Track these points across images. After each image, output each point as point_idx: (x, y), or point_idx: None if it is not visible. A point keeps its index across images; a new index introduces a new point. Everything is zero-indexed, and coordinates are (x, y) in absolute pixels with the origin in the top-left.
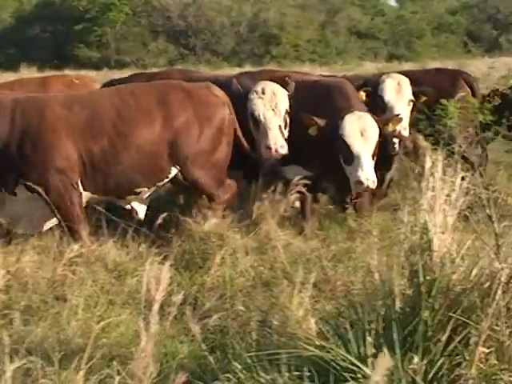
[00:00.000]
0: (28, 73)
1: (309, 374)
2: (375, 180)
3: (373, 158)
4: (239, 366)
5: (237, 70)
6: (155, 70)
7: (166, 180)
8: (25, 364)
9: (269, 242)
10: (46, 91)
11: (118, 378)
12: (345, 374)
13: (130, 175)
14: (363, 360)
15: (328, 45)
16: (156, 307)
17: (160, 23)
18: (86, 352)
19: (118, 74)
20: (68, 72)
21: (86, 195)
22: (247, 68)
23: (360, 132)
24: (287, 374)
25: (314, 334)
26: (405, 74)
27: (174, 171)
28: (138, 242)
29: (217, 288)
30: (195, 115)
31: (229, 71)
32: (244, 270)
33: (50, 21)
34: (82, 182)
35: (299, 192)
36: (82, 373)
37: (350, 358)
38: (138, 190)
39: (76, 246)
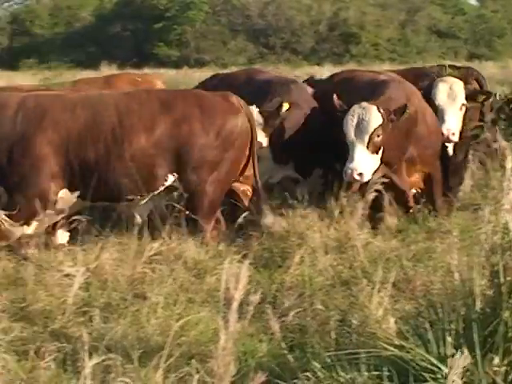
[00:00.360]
0: (108, 71)
1: (388, 373)
2: (364, 173)
3: (374, 152)
4: (318, 365)
5: (316, 69)
6: (234, 68)
7: (162, 188)
8: (104, 361)
9: (348, 241)
10: (109, 90)
11: (197, 376)
12: (424, 374)
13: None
14: (443, 360)
15: (408, 44)
16: (235, 305)
17: (240, 22)
18: (165, 350)
19: (197, 73)
20: (147, 71)
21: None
22: (327, 67)
23: (356, 122)
24: (366, 374)
25: (393, 333)
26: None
27: (171, 179)
28: (218, 241)
29: (296, 287)
30: (203, 123)
31: (309, 70)
32: (323, 268)
33: (130, 19)
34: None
35: (377, 191)
36: (161, 371)
37: (429, 358)
38: (130, 197)
39: (156, 244)
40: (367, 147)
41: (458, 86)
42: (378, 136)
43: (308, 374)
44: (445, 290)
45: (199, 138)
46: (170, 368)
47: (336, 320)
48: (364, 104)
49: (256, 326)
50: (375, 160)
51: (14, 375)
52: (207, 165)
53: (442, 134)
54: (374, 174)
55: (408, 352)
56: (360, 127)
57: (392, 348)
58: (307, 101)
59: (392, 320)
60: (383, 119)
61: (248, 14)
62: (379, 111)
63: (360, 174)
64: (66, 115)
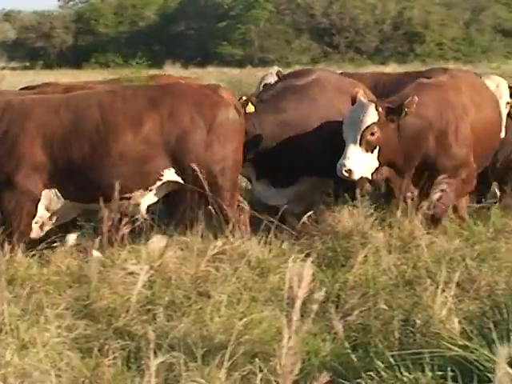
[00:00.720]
0: (172, 70)
1: (452, 374)
2: (353, 170)
3: (369, 150)
4: (382, 365)
5: (380, 69)
6: (298, 68)
7: (159, 183)
8: (168, 359)
9: (412, 241)
10: None
11: (260, 375)
12: (489, 375)
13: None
14: (508, 361)
15: (472, 43)
16: (298, 304)
17: (304, 21)
18: (228, 348)
19: (261, 72)
20: (211, 69)
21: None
22: (391, 66)
23: (352, 119)
24: (430, 374)
25: (457, 333)
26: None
27: (168, 174)
28: (281, 239)
29: (359, 286)
30: (193, 118)
31: (374, 69)
32: (387, 268)
33: (195, 18)
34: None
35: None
36: (224, 369)
37: (494, 358)
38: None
39: (219, 243)
40: (360, 145)
41: (504, 85)
42: (373, 134)
43: (371, 373)
44: (509, 290)
45: (193, 133)
46: (233, 366)
47: (399, 320)
48: (363, 101)
49: (319, 326)
50: (369, 158)
51: (78, 372)
52: (206, 159)
53: None
54: (374, 173)
55: (472, 352)
56: (354, 124)
57: (456, 348)
58: None
59: (456, 320)
60: (379, 118)
61: (312, 12)
62: (376, 109)
63: (349, 171)
64: (50, 116)
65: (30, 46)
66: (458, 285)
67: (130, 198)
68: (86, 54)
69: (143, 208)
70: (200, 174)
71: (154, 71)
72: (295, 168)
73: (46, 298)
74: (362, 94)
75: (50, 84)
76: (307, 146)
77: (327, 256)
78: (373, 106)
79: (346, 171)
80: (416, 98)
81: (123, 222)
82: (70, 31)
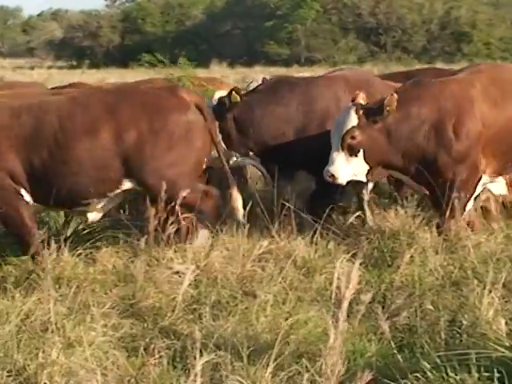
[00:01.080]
0: (218, 69)
1: (499, 375)
2: (336, 175)
3: (353, 154)
4: (428, 366)
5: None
6: (344, 67)
7: (119, 191)
8: (213, 358)
9: (458, 242)
10: None
11: (306, 375)
12: None
13: (77, 186)
14: None
15: None
16: (345, 305)
17: (350, 20)
18: (274, 348)
19: (308, 72)
20: (258, 69)
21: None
22: (438, 66)
23: (336, 124)
24: (477, 375)
25: (503, 334)
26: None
27: (127, 181)
28: (327, 239)
29: (406, 287)
30: (149, 122)
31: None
32: (433, 268)
33: (241, 17)
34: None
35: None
36: (270, 369)
37: None
38: (85, 202)
39: (265, 243)
40: (342, 149)
41: None
42: (353, 138)
43: (417, 374)
44: None
45: (148, 139)
46: (279, 366)
47: (446, 320)
48: (348, 105)
49: (365, 326)
50: (355, 162)
51: (123, 371)
52: (164, 166)
53: None
54: (369, 175)
55: None
56: (337, 129)
57: (503, 349)
58: None
59: (503, 321)
60: (359, 121)
61: (359, 12)
62: (356, 112)
63: (332, 177)
64: (13, 121)
65: (76, 45)
66: (504, 285)
67: (88, 205)
68: (133, 53)
69: (99, 214)
70: (156, 179)
71: (200, 71)
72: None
73: (92, 297)
74: (362, 98)
75: (75, 84)
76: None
77: (374, 256)
78: (352, 109)
79: (329, 177)
80: (395, 96)
81: (169, 222)
82: (117, 30)
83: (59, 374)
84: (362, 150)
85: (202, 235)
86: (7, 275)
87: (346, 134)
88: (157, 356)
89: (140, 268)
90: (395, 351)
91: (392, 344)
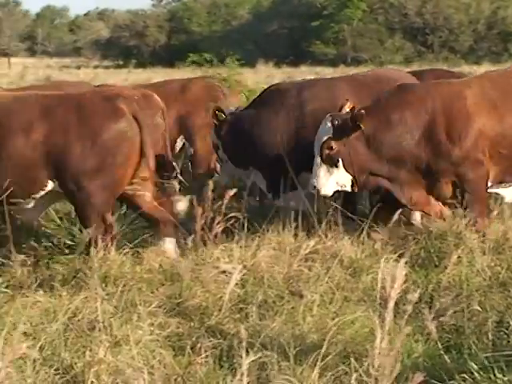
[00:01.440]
0: (264, 69)
1: None
2: (318, 187)
3: (333, 165)
4: (475, 366)
5: (474, 68)
6: (391, 67)
7: (42, 193)
8: (260, 358)
9: (506, 242)
10: (184, 94)
11: (354, 375)
12: None
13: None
14: None
15: None
16: (391, 305)
17: (397, 20)
18: (322, 348)
19: (354, 71)
20: (304, 69)
21: None
22: (485, 66)
23: (317, 136)
24: None
25: None
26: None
27: (51, 183)
28: (374, 239)
29: (453, 287)
30: (79, 129)
31: (467, 69)
32: (480, 269)
33: (287, 17)
34: None
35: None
36: (317, 369)
37: None
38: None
39: (312, 242)
40: (323, 161)
41: None
42: (331, 149)
43: (465, 375)
44: None
45: (76, 145)
46: (325, 366)
47: (493, 321)
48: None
49: (412, 326)
50: (336, 173)
51: (170, 370)
52: (87, 173)
53: None
54: (355, 186)
55: None
56: (316, 141)
57: None
58: None
59: None
60: (334, 131)
61: (405, 12)
62: (332, 123)
63: (314, 188)
64: None
65: (123, 44)
66: None
67: (16, 204)
68: (179, 53)
69: (32, 215)
70: (75, 184)
71: (246, 70)
72: None
73: (138, 296)
74: (349, 105)
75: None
76: None
77: (420, 256)
78: (328, 120)
79: (312, 189)
80: (362, 112)
81: (216, 221)
82: (164, 30)
83: (106, 372)
84: (340, 160)
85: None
86: (54, 274)
87: (322, 145)
88: (203, 355)
89: (187, 267)
90: (442, 352)
91: (439, 345)
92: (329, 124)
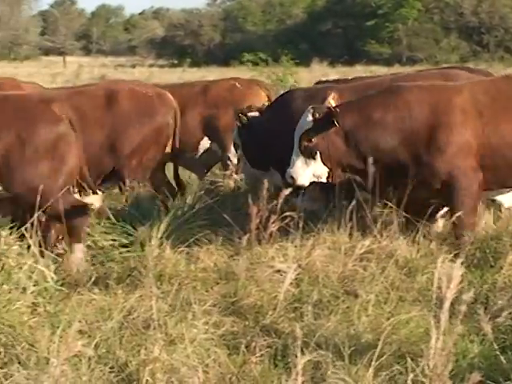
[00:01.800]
0: (319, 68)
1: None
2: (295, 177)
3: (310, 157)
4: None
5: None
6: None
7: None
8: (315, 357)
9: None
10: (206, 97)
11: (411, 375)
12: None
13: None
14: None
15: None
16: (447, 305)
17: (452, 20)
18: (376, 348)
19: (409, 71)
20: (358, 68)
21: None
22: None
23: (297, 127)
24: None
25: None
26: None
27: None
28: (429, 239)
29: (508, 287)
30: (18, 131)
31: None
32: None
33: (342, 16)
34: None
35: None
36: (372, 369)
37: None
38: None
39: (367, 242)
40: (301, 152)
41: None
42: (310, 141)
43: None
44: None
45: (15, 149)
46: (380, 366)
47: None
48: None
49: (467, 327)
50: (313, 165)
51: (225, 369)
52: (30, 175)
53: None
54: (330, 178)
55: None
56: (296, 132)
57: None
58: None
59: None
60: (314, 123)
61: (461, 11)
62: (313, 115)
63: (291, 178)
64: None
65: (178, 43)
66: None
67: None
68: (234, 52)
69: None
70: (21, 188)
71: (300, 70)
72: None
73: (193, 295)
74: (334, 98)
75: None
76: None
77: (476, 256)
78: (310, 112)
79: (289, 178)
80: (337, 110)
81: (271, 220)
82: (218, 29)
83: (161, 370)
84: (318, 153)
85: (79, 249)
86: (110, 272)
87: (301, 136)
88: (258, 354)
89: (242, 266)
90: (498, 352)
91: (494, 345)
92: (310, 116)
